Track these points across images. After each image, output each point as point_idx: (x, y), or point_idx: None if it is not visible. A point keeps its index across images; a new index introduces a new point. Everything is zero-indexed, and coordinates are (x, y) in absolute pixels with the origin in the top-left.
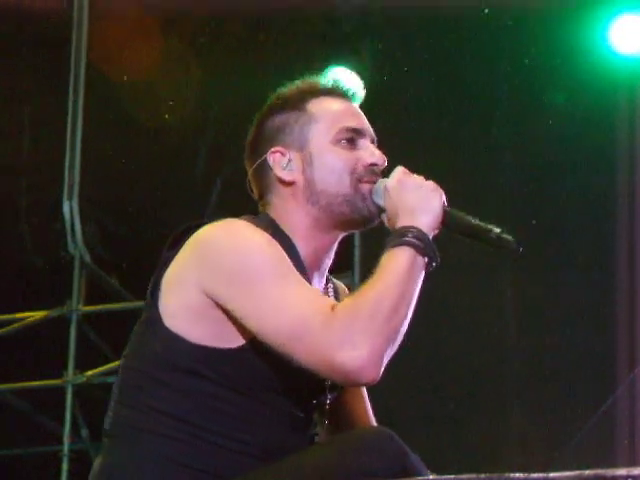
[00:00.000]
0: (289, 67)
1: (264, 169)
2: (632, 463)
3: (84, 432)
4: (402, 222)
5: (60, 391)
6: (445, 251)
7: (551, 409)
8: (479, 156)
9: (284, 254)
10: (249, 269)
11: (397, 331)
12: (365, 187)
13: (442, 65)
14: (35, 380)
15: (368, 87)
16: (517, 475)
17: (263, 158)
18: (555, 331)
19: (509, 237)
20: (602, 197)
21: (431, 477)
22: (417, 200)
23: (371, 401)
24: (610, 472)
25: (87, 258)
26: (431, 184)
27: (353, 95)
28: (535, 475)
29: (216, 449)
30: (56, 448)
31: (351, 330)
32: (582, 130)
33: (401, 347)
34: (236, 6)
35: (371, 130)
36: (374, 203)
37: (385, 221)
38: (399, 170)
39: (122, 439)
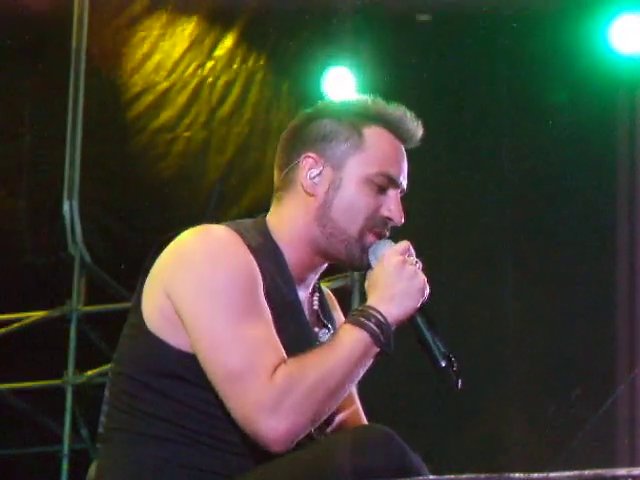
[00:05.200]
0: (289, 67)
1: (293, 166)
2: (632, 463)
3: (84, 432)
4: (376, 300)
5: (60, 391)
6: (446, 250)
7: (551, 409)
8: (478, 156)
9: (256, 283)
10: (212, 293)
11: (324, 413)
12: (369, 240)
13: (441, 65)
14: (35, 380)
15: (367, 87)
16: (517, 475)
17: (298, 160)
18: (555, 331)
19: (452, 373)
20: (602, 197)
21: (431, 477)
22: (401, 290)
23: (371, 401)
24: (610, 472)
25: (87, 258)
26: (421, 282)
27: (410, 139)
28: (535, 475)
29: (207, 450)
30: (56, 448)
31: (281, 402)
32: (582, 130)
33: (401, 347)
34: (237, 6)
35: (405, 182)
36: (367, 258)
37: (366, 280)
38: (402, 247)
39: (116, 443)
